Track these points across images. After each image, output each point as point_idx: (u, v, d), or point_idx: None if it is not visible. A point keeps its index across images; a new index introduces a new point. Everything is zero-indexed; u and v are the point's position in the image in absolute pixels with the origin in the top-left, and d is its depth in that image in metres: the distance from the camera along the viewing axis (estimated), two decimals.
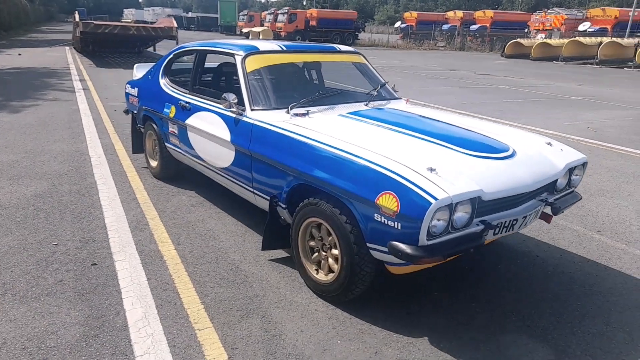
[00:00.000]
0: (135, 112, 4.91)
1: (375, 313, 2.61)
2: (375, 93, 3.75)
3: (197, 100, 3.79)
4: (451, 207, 2.16)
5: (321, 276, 2.76)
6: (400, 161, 2.32)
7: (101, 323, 2.46)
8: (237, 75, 3.48)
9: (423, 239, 2.14)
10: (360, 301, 2.68)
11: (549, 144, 2.97)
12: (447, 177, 2.23)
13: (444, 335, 2.45)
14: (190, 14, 63.40)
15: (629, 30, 25.56)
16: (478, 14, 37.07)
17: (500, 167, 2.49)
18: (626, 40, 23.60)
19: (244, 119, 3.21)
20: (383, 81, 3.97)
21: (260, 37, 38.74)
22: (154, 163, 4.81)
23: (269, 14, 43.01)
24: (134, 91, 4.91)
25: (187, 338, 2.36)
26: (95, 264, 3.06)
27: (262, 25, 45.13)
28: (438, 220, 2.15)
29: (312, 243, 2.82)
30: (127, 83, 5.17)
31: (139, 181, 4.67)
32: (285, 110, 3.20)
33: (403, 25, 41.29)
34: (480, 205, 2.30)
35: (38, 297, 2.66)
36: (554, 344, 2.41)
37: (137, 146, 5.16)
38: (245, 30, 44.93)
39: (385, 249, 2.29)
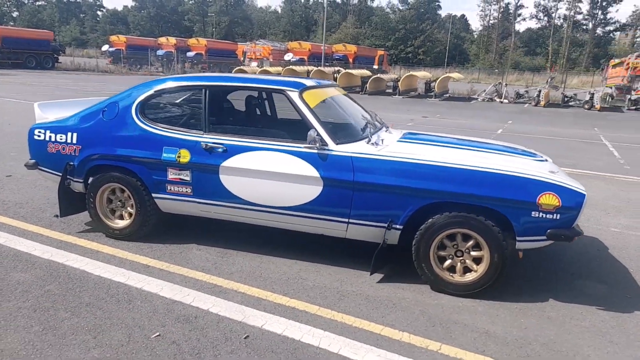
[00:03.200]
0: (73, 163, 3.88)
1: (504, 296, 3.29)
2: (381, 121, 4.29)
3: (236, 140, 3.51)
4: None
5: (458, 278, 3.25)
6: (535, 169, 3.13)
7: None
8: (293, 110, 3.52)
9: (576, 222, 3.02)
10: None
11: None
12: (564, 177, 3.16)
13: (550, 294, 3.36)
14: None
15: (323, 61, 31.61)
16: (192, 41, 38.46)
17: (555, 166, 3.59)
18: (327, 69, 29.14)
19: (334, 153, 3.31)
20: (367, 112, 4.51)
21: None
22: (117, 223, 3.94)
23: None
24: (68, 137, 3.88)
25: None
26: (247, 337, 2.65)
27: None
28: None
29: (442, 253, 3.26)
30: (39, 128, 3.99)
31: (110, 247, 3.77)
32: (365, 140, 3.47)
33: (112, 49, 38.84)
34: None
35: None
36: (599, 279, 3.66)
37: (69, 207, 4.04)
38: None
39: (537, 238, 3.06)
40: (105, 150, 3.78)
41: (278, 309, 2.96)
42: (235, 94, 4.26)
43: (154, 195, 3.77)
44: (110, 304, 2.93)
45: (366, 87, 25.76)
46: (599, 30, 62.00)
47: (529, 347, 2.69)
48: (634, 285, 3.58)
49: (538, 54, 64.33)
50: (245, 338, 2.64)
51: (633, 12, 63.48)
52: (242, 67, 30.86)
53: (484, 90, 26.37)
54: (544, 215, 3.01)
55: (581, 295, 3.36)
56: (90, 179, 3.91)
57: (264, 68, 29.66)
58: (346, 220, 3.37)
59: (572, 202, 2.98)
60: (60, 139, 3.92)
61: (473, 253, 3.20)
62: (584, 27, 63.19)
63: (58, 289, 3.09)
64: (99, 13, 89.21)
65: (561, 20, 63.85)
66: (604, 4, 60.46)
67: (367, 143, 3.46)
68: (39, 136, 3.99)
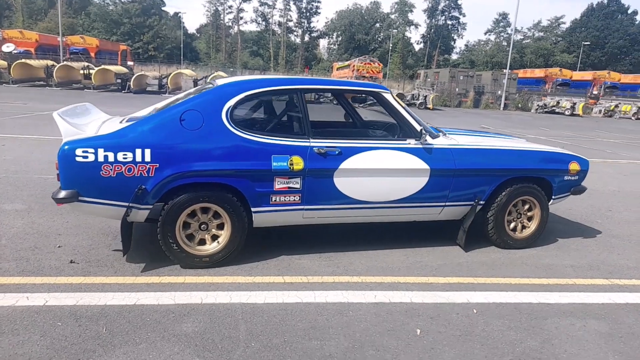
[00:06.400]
0: (144, 186, 3.10)
1: (541, 243, 4.43)
2: None
3: (348, 142, 3.56)
4: None
5: (520, 235, 4.21)
6: (553, 147, 4.36)
7: None
8: (387, 111, 3.82)
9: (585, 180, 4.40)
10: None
11: None
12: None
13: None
14: None
15: (62, 55, 27.23)
16: None
17: None
18: (75, 64, 25.21)
19: (436, 146, 3.79)
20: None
21: None
22: (204, 249, 3.36)
23: None
24: (137, 155, 3.07)
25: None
26: (475, 311, 2.99)
27: None
28: None
29: (508, 217, 4.16)
30: (82, 146, 3.00)
31: (218, 276, 3.25)
32: (442, 135, 4.04)
33: None
34: None
35: None
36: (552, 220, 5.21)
37: (129, 243, 3.19)
38: None
39: (565, 194, 4.32)
40: (195, 165, 3.18)
41: (455, 287, 3.32)
42: None
43: (254, 209, 3.40)
44: (334, 321, 2.73)
45: (129, 85, 23.77)
46: (307, 37, 72.49)
47: (609, 269, 3.87)
48: (563, 219, 5.29)
49: (261, 55, 70.68)
50: (475, 312, 2.98)
51: (325, 22, 76.61)
52: None
53: None
54: (570, 178, 4.28)
55: (564, 232, 4.82)
56: (167, 203, 3.20)
57: None
58: (443, 203, 3.90)
59: (585, 167, 4.35)
60: (125, 158, 3.05)
61: (528, 213, 4.23)
62: (295, 33, 72.81)
63: (256, 327, 2.63)
64: None
65: (277, 26, 71.71)
66: (307, 14, 70.92)
67: (445, 137, 4.04)
68: (85, 157, 2.98)
